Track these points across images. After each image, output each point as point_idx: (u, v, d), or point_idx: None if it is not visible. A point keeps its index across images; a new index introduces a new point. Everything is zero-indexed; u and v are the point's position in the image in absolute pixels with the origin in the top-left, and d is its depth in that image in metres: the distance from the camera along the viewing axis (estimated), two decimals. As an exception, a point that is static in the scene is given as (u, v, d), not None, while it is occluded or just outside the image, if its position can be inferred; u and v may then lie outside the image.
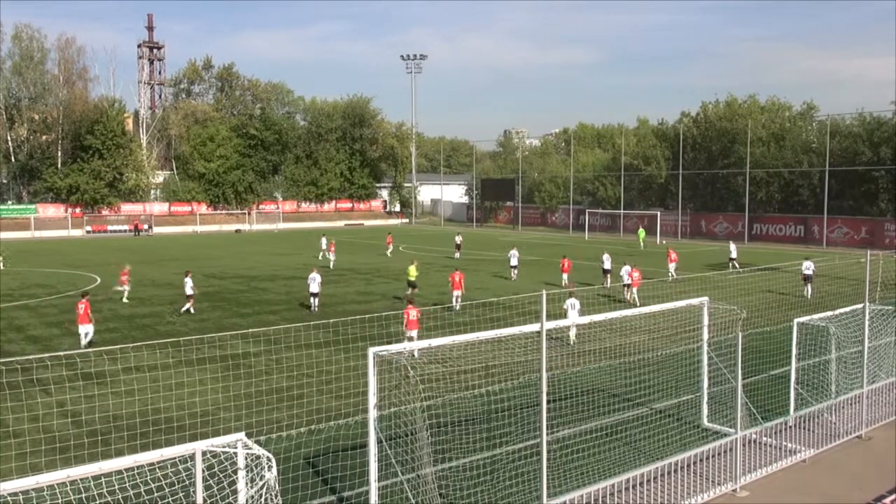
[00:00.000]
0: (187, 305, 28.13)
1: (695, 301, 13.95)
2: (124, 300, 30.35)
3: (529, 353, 11.85)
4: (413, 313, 20.51)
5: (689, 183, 69.88)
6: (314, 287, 29.61)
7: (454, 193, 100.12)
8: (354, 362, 16.12)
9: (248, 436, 8.38)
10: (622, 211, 72.03)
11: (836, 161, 59.71)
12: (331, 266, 42.43)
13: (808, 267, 31.39)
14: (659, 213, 66.11)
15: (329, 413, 14.98)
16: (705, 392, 14.33)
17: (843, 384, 15.27)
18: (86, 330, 22.01)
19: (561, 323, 12.35)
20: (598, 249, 51.77)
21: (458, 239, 49.76)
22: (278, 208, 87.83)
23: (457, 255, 47.87)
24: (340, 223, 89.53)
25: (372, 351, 10.05)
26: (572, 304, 22.22)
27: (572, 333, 20.44)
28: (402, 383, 10.39)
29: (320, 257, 45.84)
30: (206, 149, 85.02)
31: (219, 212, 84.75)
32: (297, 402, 15.34)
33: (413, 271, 31.47)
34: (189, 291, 28.22)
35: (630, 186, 74.62)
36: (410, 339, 19.56)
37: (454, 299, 28.61)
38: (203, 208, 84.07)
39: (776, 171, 63.52)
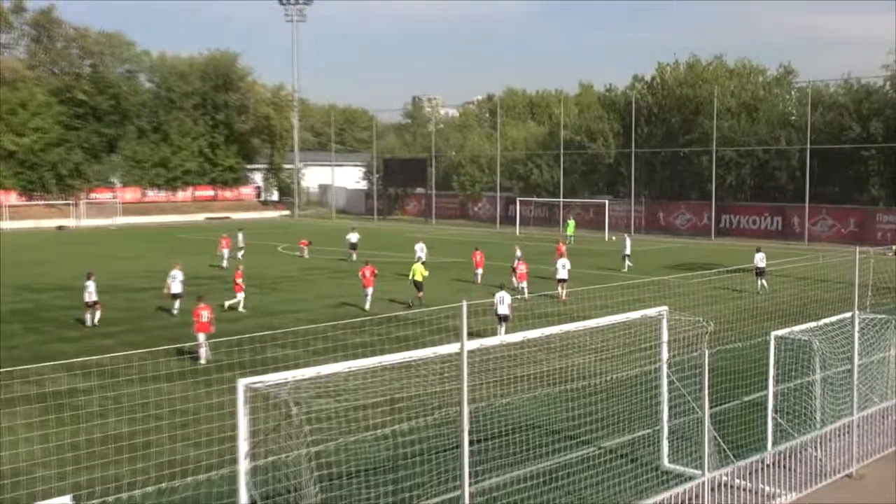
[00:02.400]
0: (88, 315, 28.95)
1: (651, 312, 14.28)
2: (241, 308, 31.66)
3: (447, 380, 11.89)
4: (205, 314, 23.52)
5: (644, 164, 71.73)
6: (176, 287, 30.72)
7: (349, 177, 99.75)
8: (219, 398, 15.81)
9: (77, 499, 8.10)
10: (562, 199, 73.33)
11: (818, 137, 62.33)
12: (224, 264, 44.89)
13: (761, 259, 36.15)
14: (607, 202, 67.67)
15: (185, 466, 14.65)
16: (665, 425, 14.69)
17: (830, 411, 15.89)
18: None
19: (486, 342, 12.44)
20: (532, 247, 52.41)
21: (353, 237, 49.87)
22: (116, 198, 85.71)
23: (354, 256, 48.00)
24: (200, 216, 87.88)
25: (242, 383, 9.88)
26: (501, 299, 25.54)
27: (502, 330, 24.44)
28: (283, 424, 10.25)
29: (239, 255, 48.15)
30: (16, 119, 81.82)
31: (35, 202, 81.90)
32: (142, 452, 14.95)
33: (420, 270, 32.87)
34: (92, 298, 29.04)
35: (571, 168, 76.03)
36: (200, 344, 23.39)
37: (366, 298, 31.80)
38: (13, 198, 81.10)
39: (748, 150, 65.86)
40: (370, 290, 32.09)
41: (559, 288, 34.23)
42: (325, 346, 22.00)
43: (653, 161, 71.93)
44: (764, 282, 35.85)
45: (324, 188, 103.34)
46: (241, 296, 32.03)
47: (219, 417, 14.96)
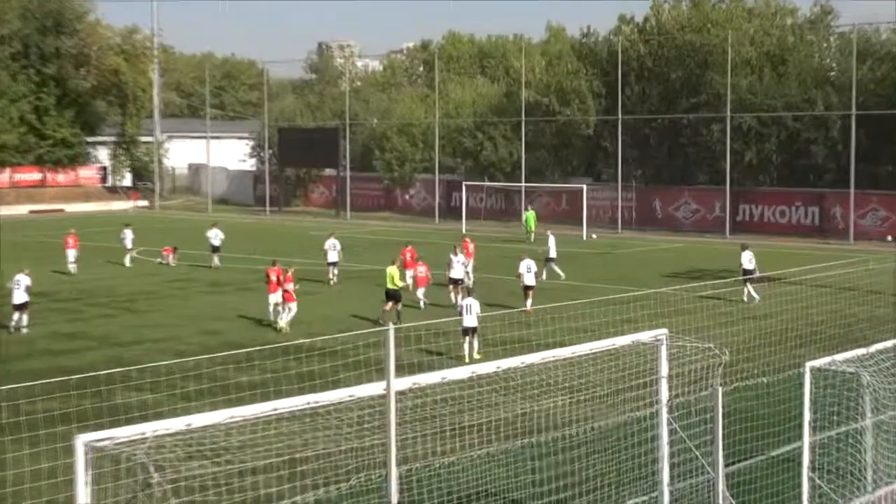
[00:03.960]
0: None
1: (646, 336, 14.38)
2: None
3: (368, 434, 11.84)
4: None
5: (635, 136, 72.20)
6: (19, 295, 32.77)
7: (231, 154, 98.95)
8: (49, 461, 15.57)
9: None
10: (523, 184, 73.44)
11: (867, 100, 63.28)
12: (71, 269, 46.20)
13: (748, 259, 38.66)
14: (585, 188, 67.85)
15: (4, 556, 14.41)
16: (666, 490, 14.79)
17: (885, 468, 16.11)
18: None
19: (422, 379, 12.42)
20: (484, 249, 52.43)
21: (215, 237, 49.31)
22: None
23: (216, 261, 48.53)
24: (22, 209, 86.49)
25: (82, 440, 9.75)
26: (467, 307, 27.85)
27: (467, 348, 27.41)
28: (141, 496, 10.13)
29: (127, 261, 50.14)
30: None
31: None
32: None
33: (395, 276, 34.40)
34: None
35: (536, 142, 76.35)
36: None
37: (278, 309, 33.35)
38: None
39: (773, 117, 66.55)
40: (274, 298, 33.86)
41: (525, 298, 35.54)
42: (199, 388, 21.79)
43: (646, 132, 72.43)
44: (751, 289, 37.47)
45: (196, 169, 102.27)
46: (292, 307, 33.16)
47: (49, 489, 14.74)
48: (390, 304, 33.88)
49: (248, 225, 74.30)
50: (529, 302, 35.18)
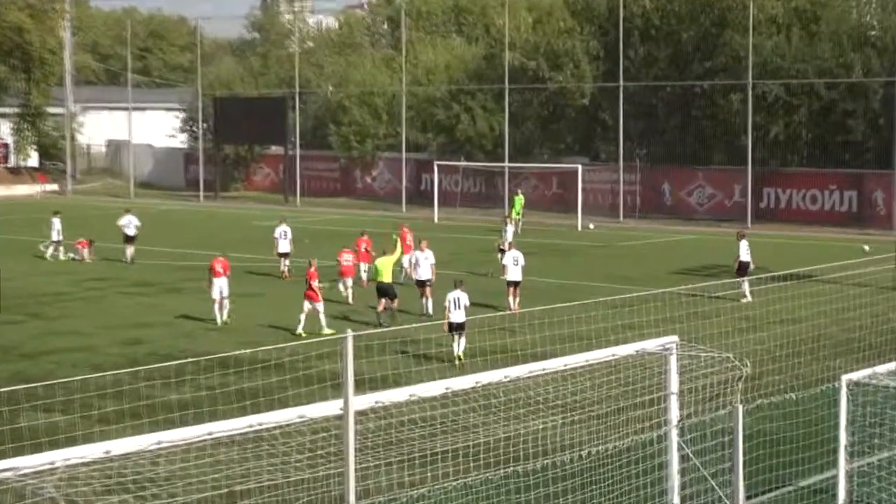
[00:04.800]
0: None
1: (652, 345, 14.40)
2: None
3: (322, 462, 11.82)
4: None
5: (640, 107, 72.19)
6: None
7: (158, 129, 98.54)
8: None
9: None
10: (507, 164, 73.32)
11: (913, 65, 63.38)
12: None
13: (745, 251, 39.72)
14: (580, 169, 67.76)
15: None
16: (677, 527, 14.85)
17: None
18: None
19: (386, 397, 12.39)
20: (462, 242, 52.36)
21: (129, 225, 49.26)
22: None
23: (129, 252, 48.81)
24: None
25: (-20, 471, 9.71)
26: (455, 301, 28.81)
27: (457, 347, 28.18)
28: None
29: (49, 252, 50.84)
30: None
31: None
32: None
33: (387, 268, 35.17)
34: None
35: (523, 114, 76.25)
36: None
37: (215, 306, 34.55)
38: None
39: (804, 85, 66.56)
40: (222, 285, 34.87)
41: (509, 296, 35.69)
42: (119, 409, 21.72)
43: (653, 102, 72.50)
44: (747, 289, 37.68)
45: (115, 146, 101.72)
46: (319, 307, 33.41)
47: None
48: (383, 301, 34.29)
49: (177, 213, 74.13)
50: (516, 301, 35.40)
